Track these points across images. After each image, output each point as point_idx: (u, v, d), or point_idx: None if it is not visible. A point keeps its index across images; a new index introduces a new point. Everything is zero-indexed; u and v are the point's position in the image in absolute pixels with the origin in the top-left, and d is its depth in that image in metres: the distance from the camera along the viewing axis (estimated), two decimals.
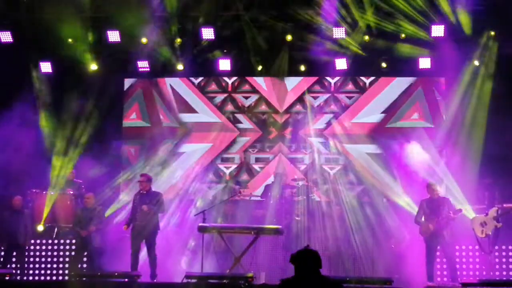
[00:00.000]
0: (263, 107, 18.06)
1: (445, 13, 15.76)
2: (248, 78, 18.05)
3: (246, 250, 13.37)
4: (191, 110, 18.07)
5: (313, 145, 17.66)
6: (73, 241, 15.16)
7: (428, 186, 13.73)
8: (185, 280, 12.26)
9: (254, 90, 18.09)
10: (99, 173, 16.53)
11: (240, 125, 18.00)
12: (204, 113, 18.07)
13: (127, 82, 18.09)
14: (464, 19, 15.70)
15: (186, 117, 18.07)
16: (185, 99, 18.08)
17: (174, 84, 18.11)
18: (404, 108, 17.50)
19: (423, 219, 13.45)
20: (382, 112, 17.60)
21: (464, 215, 13.89)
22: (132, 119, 18.09)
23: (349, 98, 17.86)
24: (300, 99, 17.89)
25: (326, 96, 17.88)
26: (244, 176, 17.72)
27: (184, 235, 15.34)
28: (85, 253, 14.76)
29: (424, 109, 17.40)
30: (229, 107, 18.09)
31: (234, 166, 17.86)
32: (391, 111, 17.57)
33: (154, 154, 17.65)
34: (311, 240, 15.17)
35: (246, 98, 18.14)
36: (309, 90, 17.89)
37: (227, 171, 17.84)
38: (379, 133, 17.48)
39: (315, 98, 17.91)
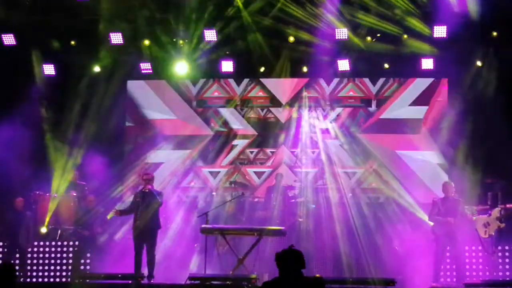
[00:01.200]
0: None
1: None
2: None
3: (249, 251, 13.35)
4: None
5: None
6: (76, 242, 15.26)
7: (444, 185, 13.77)
8: (188, 282, 12.27)
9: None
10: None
11: (234, 126, 17.91)
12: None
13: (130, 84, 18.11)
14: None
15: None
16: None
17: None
18: None
19: (439, 217, 13.43)
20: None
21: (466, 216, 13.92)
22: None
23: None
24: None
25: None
26: (243, 179, 17.64)
27: (187, 237, 15.39)
28: (88, 254, 14.88)
29: None
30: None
31: (233, 170, 17.80)
32: None
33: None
34: (315, 240, 15.20)
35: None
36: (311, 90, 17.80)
37: (224, 175, 17.78)
38: None
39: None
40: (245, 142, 17.80)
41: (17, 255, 14.95)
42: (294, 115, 17.70)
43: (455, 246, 13.36)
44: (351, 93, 17.73)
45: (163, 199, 13.70)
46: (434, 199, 13.93)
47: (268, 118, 17.86)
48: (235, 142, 17.87)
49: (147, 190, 13.56)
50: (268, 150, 17.75)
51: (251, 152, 17.81)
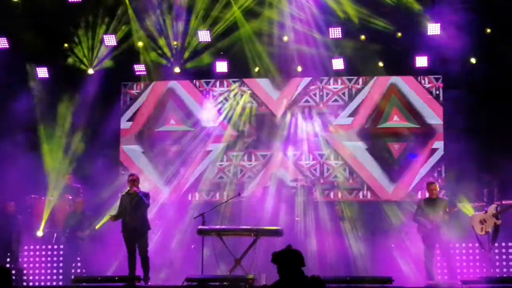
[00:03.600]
0: (260, 106, 17.83)
1: None
2: (245, 80, 17.92)
3: (246, 252, 13.35)
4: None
5: (311, 145, 17.53)
6: (62, 246, 15.28)
7: (428, 185, 13.75)
8: (185, 283, 12.22)
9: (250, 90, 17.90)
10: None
11: (237, 126, 17.83)
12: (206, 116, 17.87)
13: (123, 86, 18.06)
14: None
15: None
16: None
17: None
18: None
19: (420, 217, 13.45)
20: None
21: (463, 213, 13.91)
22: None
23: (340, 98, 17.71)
24: (299, 97, 17.67)
25: (325, 93, 17.64)
26: (242, 178, 17.63)
27: (185, 238, 15.40)
28: (78, 258, 14.89)
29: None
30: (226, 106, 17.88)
31: (232, 168, 17.76)
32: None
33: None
34: (311, 240, 15.20)
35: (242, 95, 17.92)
36: (308, 88, 17.71)
37: (227, 174, 17.74)
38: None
39: (313, 95, 17.72)
40: (242, 141, 17.70)
41: (8, 259, 14.96)
42: (288, 118, 17.57)
43: (440, 244, 13.35)
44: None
45: (149, 201, 13.59)
46: (419, 199, 13.95)
47: (265, 119, 17.80)
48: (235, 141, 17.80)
49: (132, 192, 13.44)
50: (265, 149, 17.65)
51: (250, 151, 17.72)
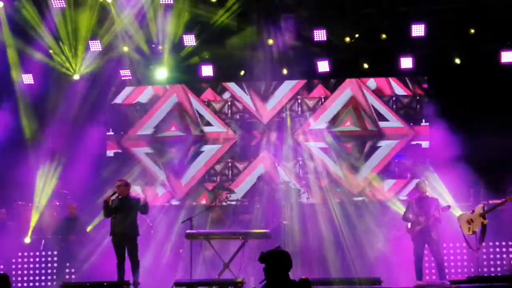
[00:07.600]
0: (245, 108, 17.87)
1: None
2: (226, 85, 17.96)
3: (234, 255, 13.36)
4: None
5: (306, 148, 17.56)
6: (55, 252, 15.21)
7: (417, 184, 13.81)
8: None
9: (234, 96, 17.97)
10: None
11: (225, 129, 17.85)
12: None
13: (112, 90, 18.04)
14: None
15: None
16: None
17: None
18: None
19: (411, 217, 13.51)
20: None
21: (450, 213, 13.96)
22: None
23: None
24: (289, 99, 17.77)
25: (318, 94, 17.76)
26: (229, 182, 17.61)
27: (173, 243, 15.38)
28: (68, 264, 14.84)
29: None
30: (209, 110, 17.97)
31: (220, 171, 17.77)
32: None
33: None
34: (299, 242, 15.22)
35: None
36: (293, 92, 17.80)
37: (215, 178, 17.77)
38: None
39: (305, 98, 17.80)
40: (218, 147, 17.72)
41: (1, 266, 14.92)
42: (276, 120, 17.66)
43: (431, 244, 13.41)
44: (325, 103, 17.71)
45: (146, 202, 13.49)
46: (409, 199, 14.02)
47: (247, 118, 17.82)
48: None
49: (121, 197, 13.29)
50: (252, 152, 17.67)
51: (237, 154, 17.72)
